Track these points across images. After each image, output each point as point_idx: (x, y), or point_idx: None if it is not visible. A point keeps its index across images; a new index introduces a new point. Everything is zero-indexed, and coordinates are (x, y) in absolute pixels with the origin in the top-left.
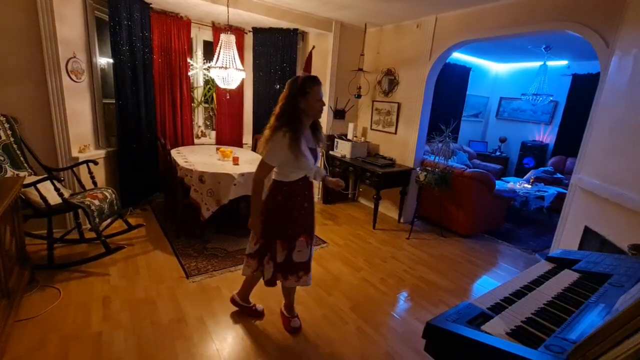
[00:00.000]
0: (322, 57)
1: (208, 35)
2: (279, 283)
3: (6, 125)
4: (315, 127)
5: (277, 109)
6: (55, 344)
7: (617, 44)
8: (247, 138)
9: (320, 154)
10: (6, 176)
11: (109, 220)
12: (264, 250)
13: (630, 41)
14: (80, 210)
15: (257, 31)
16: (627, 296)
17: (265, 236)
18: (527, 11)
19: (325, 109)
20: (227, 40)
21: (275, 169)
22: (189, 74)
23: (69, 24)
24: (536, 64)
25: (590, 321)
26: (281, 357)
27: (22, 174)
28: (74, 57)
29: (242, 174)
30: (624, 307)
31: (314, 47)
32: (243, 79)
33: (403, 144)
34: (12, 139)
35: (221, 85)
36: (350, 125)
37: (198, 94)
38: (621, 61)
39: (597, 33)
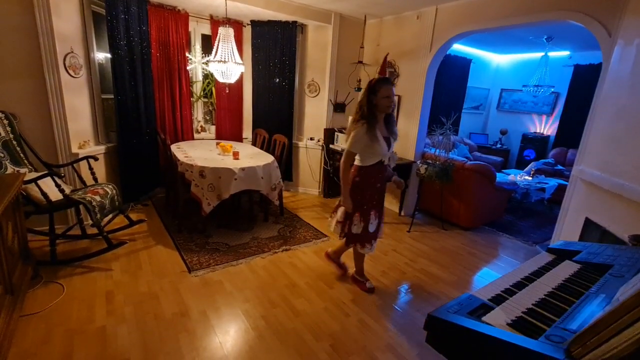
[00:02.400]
0: (321, 49)
1: (206, 29)
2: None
3: (5, 122)
4: (389, 120)
5: (357, 106)
6: (60, 338)
7: (620, 33)
8: (247, 132)
9: (393, 143)
10: (6, 173)
11: (110, 216)
12: (348, 218)
13: (632, 31)
14: (81, 206)
15: (256, 24)
16: (628, 286)
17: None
18: (529, 0)
19: (325, 102)
20: (226, 34)
21: (357, 156)
22: (188, 68)
23: (66, 18)
24: (537, 55)
25: (591, 311)
26: (283, 350)
27: (22, 170)
28: (72, 52)
29: (243, 169)
30: (624, 297)
31: (388, 53)
32: (242, 72)
33: (404, 137)
34: (11, 136)
35: (220, 79)
36: (350, 119)
37: (197, 88)
38: (624, 51)
39: (600, 22)
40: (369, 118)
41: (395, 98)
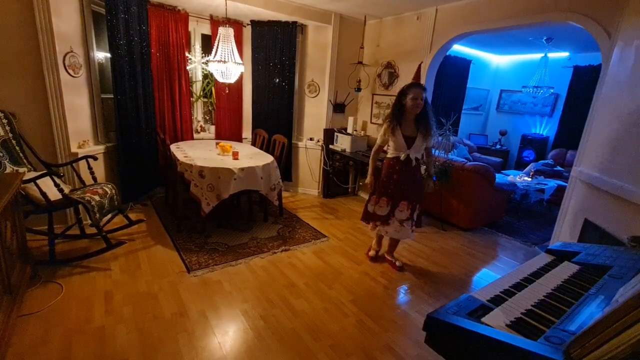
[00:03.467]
0: (321, 50)
1: (206, 29)
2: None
3: (4, 121)
4: (420, 121)
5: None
6: (59, 338)
7: (619, 35)
8: (247, 132)
9: (420, 142)
10: (5, 172)
11: (109, 216)
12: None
13: (632, 32)
14: (80, 206)
15: (256, 24)
16: (627, 288)
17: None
18: (528, 2)
19: (325, 103)
20: (226, 34)
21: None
22: (188, 68)
23: (66, 18)
24: (537, 55)
25: (590, 313)
26: (282, 350)
27: (21, 169)
28: (71, 51)
29: (242, 169)
30: (623, 299)
31: (421, 62)
32: (242, 72)
33: None
34: (10, 135)
35: (220, 79)
36: (350, 119)
37: (197, 88)
38: (623, 52)
39: (599, 24)
40: (394, 117)
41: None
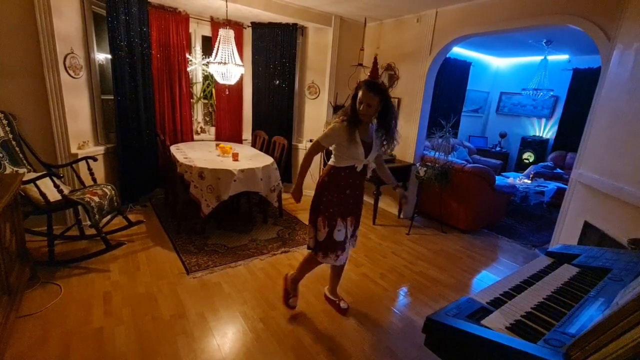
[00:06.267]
0: (321, 52)
1: (207, 31)
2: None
3: (4, 122)
4: (382, 125)
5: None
6: (57, 340)
7: (619, 37)
8: (247, 134)
9: (377, 150)
10: (5, 173)
11: (109, 217)
12: (314, 221)
13: (631, 35)
14: (80, 207)
15: (256, 26)
16: (627, 290)
17: (312, 211)
18: (528, 4)
19: (325, 104)
20: (226, 36)
21: (332, 155)
22: (188, 69)
23: (66, 19)
24: (537, 58)
25: (590, 315)
26: (281, 352)
27: (21, 170)
28: (72, 52)
29: (242, 170)
30: (623, 301)
31: (376, 54)
32: (242, 74)
33: (403, 140)
34: (10, 136)
35: (220, 80)
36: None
37: (197, 89)
38: (622, 55)
39: (599, 27)
40: (350, 117)
41: (372, 108)
